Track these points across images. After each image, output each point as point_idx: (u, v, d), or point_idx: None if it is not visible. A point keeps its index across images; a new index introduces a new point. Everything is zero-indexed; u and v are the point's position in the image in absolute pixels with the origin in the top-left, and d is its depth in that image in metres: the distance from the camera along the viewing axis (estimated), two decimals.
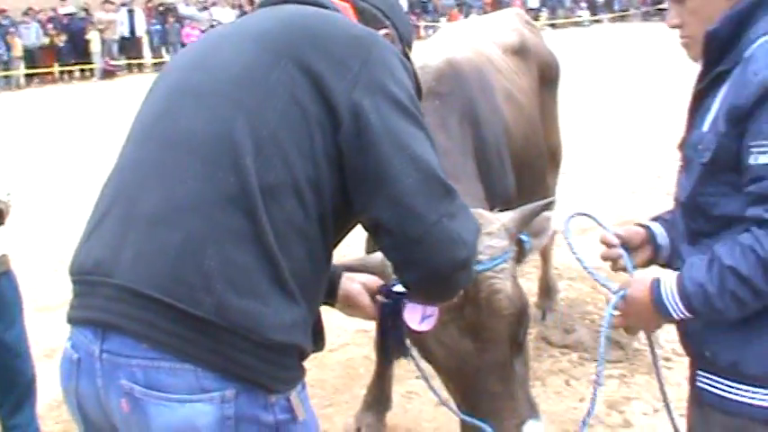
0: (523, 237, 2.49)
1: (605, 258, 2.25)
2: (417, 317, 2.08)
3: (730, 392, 1.96)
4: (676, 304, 1.94)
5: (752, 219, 1.82)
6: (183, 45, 21.50)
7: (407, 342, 2.19)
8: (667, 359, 4.47)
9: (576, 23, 39.17)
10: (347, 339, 4.81)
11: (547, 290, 5.08)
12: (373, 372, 3.91)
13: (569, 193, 7.82)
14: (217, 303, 1.59)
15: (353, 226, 1.87)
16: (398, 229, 1.69)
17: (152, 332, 1.60)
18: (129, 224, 1.66)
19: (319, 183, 1.70)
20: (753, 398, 1.92)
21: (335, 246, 1.85)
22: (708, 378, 2.01)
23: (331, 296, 2.10)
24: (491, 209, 2.66)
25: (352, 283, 2.14)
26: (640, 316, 2.07)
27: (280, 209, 1.65)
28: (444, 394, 2.48)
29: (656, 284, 1.99)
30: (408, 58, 2.09)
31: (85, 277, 1.70)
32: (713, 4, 1.97)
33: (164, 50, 24.43)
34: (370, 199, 1.70)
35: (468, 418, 2.33)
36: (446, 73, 2.93)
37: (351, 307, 2.16)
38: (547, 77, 4.45)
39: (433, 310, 2.10)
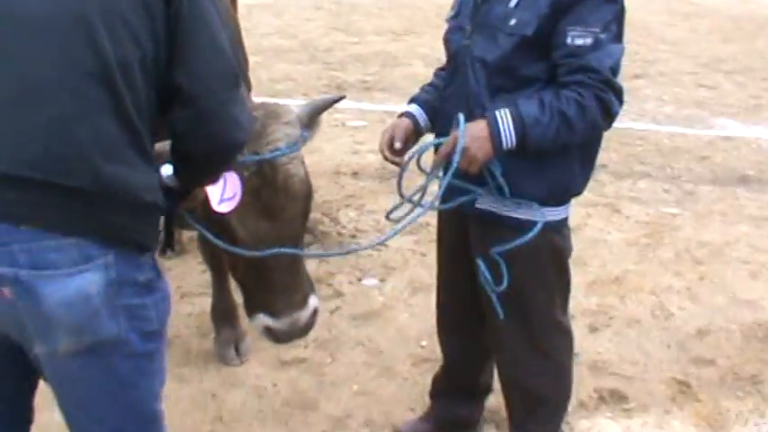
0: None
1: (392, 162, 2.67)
2: (216, 199, 2.23)
3: (511, 212, 2.50)
4: (510, 135, 2.31)
5: (574, 82, 2.27)
6: None
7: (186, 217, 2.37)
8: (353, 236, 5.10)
9: None
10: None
11: None
12: (212, 287, 3.85)
13: None
14: (92, 170, 1.62)
15: None
16: (196, 100, 1.78)
17: (33, 212, 1.61)
18: None
19: (157, 58, 1.76)
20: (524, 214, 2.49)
21: None
22: (491, 200, 2.52)
23: None
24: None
25: None
26: (480, 149, 2.34)
27: (133, 81, 1.70)
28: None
29: (493, 120, 2.33)
30: None
31: None
32: None
33: None
34: (178, 67, 1.77)
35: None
36: None
37: None
38: None
39: (232, 193, 2.25)
